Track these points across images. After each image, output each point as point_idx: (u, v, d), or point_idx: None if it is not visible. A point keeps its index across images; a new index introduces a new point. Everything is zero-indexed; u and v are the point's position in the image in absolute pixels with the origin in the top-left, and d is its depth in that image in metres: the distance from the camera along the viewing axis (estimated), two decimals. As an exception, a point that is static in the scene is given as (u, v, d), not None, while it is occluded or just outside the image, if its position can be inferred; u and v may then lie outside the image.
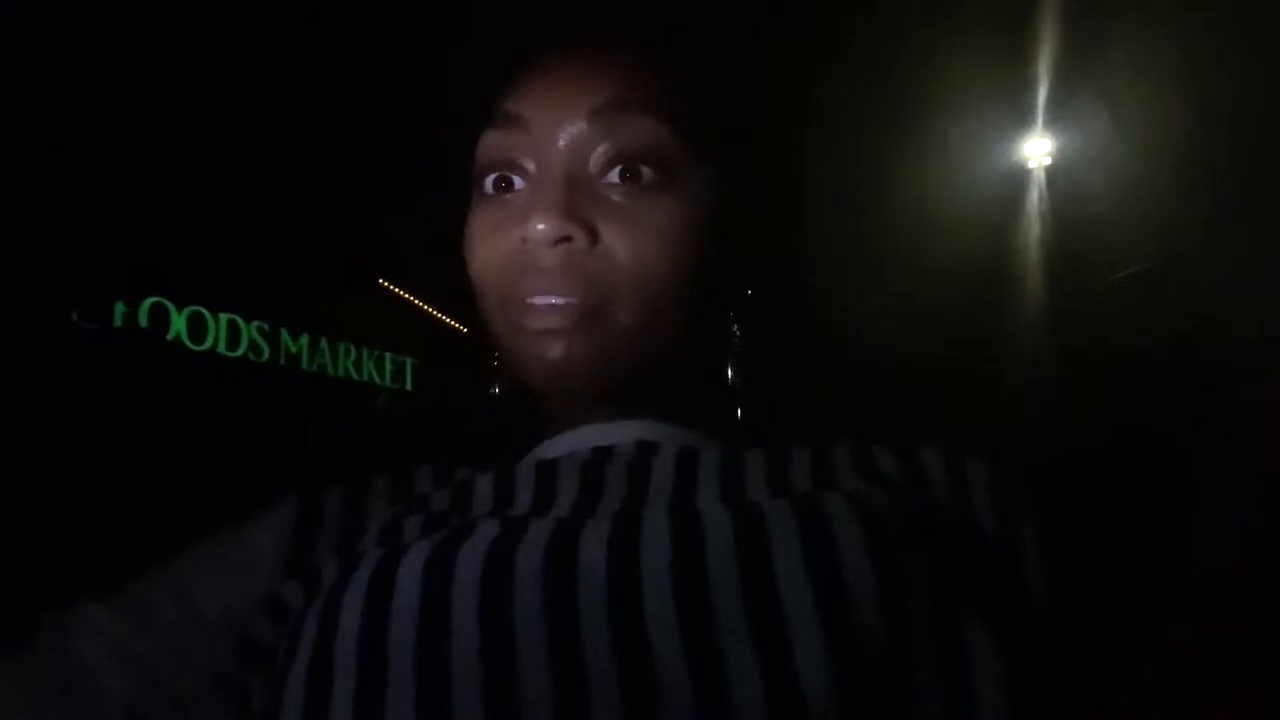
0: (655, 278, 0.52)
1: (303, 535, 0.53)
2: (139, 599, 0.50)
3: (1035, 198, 3.30)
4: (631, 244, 0.52)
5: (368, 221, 3.41)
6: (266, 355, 3.81)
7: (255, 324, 3.76)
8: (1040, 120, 3.15)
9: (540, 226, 0.51)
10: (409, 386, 4.51)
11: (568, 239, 0.51)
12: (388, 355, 4.44)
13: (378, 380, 4.38)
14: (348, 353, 4.23)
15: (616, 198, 0.52)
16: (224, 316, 3.61)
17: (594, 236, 0.52)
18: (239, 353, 3.69)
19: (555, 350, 0.52)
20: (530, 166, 0.54)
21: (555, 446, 0.57)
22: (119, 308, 3.21)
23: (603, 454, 0.54)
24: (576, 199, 0.52)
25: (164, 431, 2.75)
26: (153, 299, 3.32)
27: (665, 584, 0.40)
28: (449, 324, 4.21)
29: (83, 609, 0.50)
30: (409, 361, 4.53)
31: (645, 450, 0.54)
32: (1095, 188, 3.00)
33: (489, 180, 0.56)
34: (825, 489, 0.47)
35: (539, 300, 0.52)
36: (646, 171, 0.52)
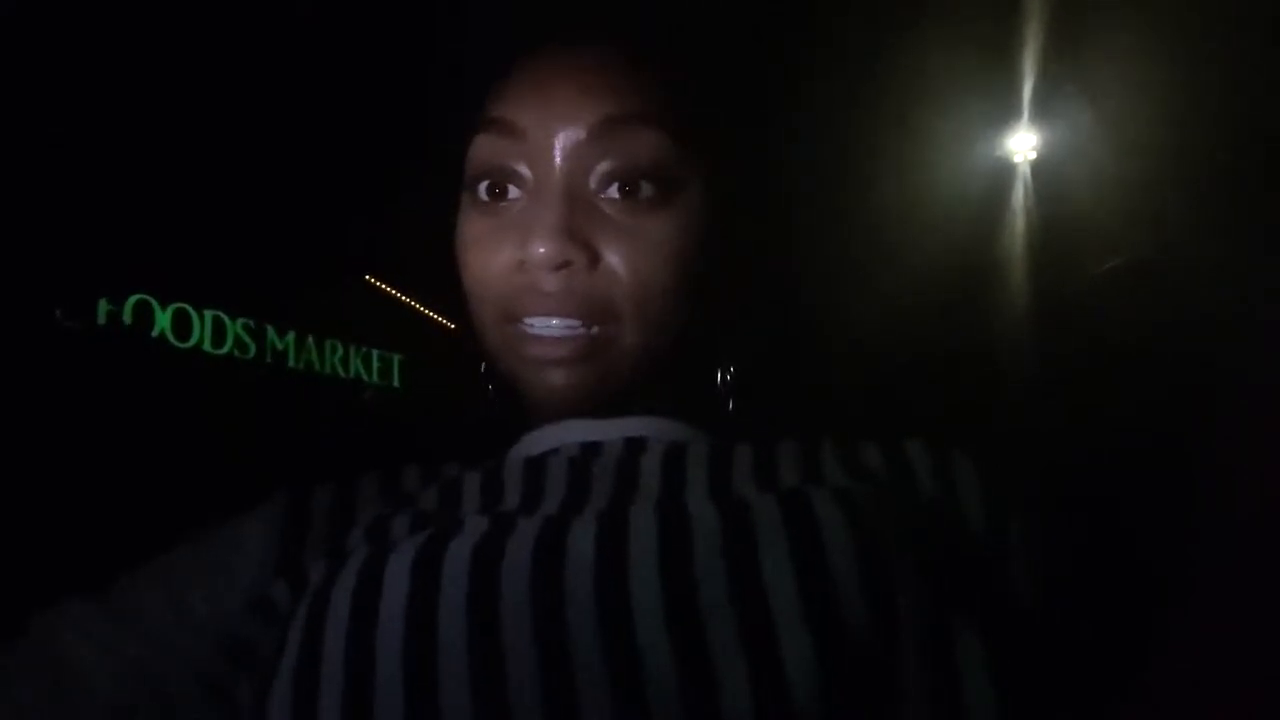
0: (657, 293, 0.52)
1: (292, 533, 0.53)
2: (127, 598, 0.50)
3: (1021, 192, 3.31)
4: (632, 263, 0.51)
5: (355, 218, 3.40)
6: (253, 352, 3.79)
7: (241, 321, 3.74)
8: (1025, 115, 3.17)
9: (541, 250, 0.50)
10: (396, 383, 4.50)
11: (568, 263, 0.51)
12: (375, 352, 4.42)
13: (365, 377, 4.37)
14: (334, 349, 4.21)
15: (616, 214, 0.51)
16: (209, 313, 3.59)
17: (594, 258, 0.51)
18: (224, 350, 3.67)
19: (557, 378, 0.52)
20: (527, 175, 0.53)
21: (544, 439, 0.56)
22: (103, 305, 3.18)
23: (591, 450, 0.54)
24: (575, 218, 0.51)
25: (149, 429, 2.74)
26: (137, 296, 3.29)
27: (653, 583, 0.40)
28: (437, 320, 4.20)
29: (70, 607, 0.49)
30: (396, 358, 4.52)
31: (634, 447, 0.53)
32: (1080, 182, 3.02)
33: (482, 187, 0.54)
34: (813, 485, 0.47)
35: (538, 322, 0.52)
36: (647, 186, 0.51)
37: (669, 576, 0.40)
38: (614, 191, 0.52)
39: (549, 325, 0.52)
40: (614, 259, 0.51)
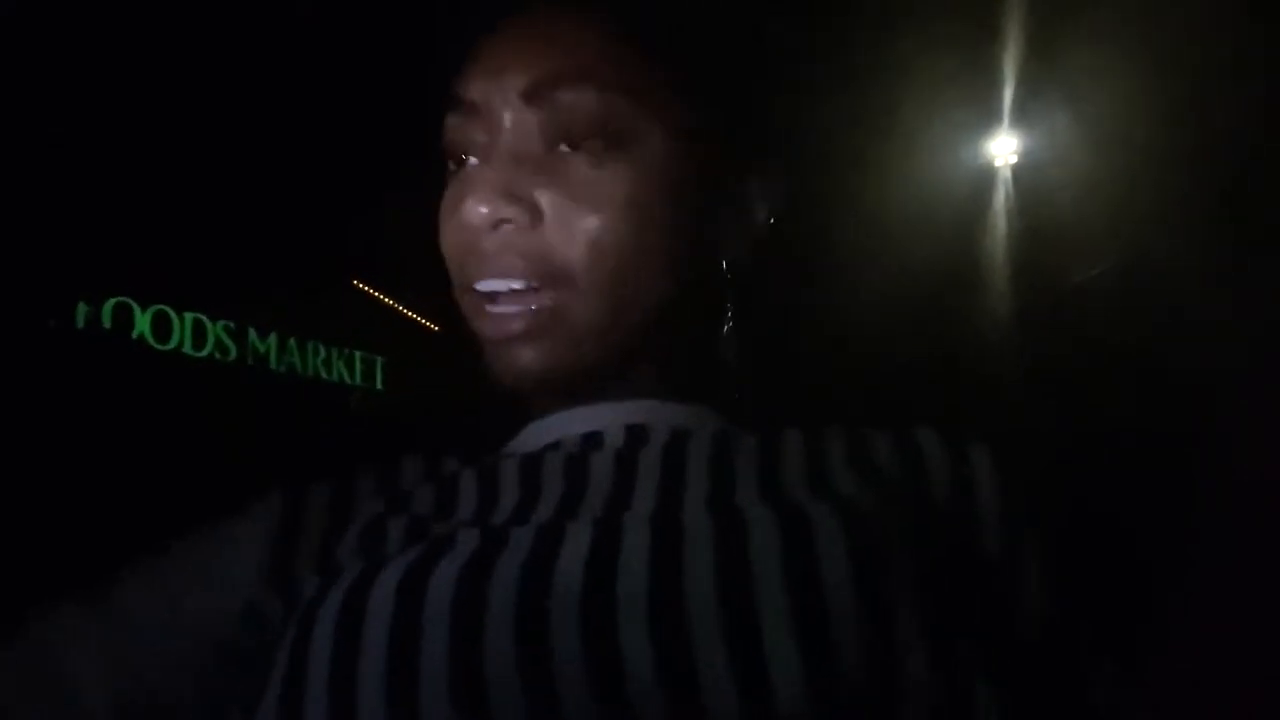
0: (613, 251, 0.50)
1: (286, 535, 0.52)
2: (123, 602, 0.49)
3: (1002, 195, 3.34)
4: (581, 218, 0.50)
5: (338, 219, 3.38)
6: (234, 355, 3.76)
7: (222, 323, 3.71)
8: (1006, 120, 3.19)
9: (475, 209, 0.50)
10: (379, 386, 4.47)
11: (506, 221, 0.50)
12: (358, 354, 4.39)
13: (348, 380, 4.34)
14: (317, 352, 4.18)
15: (567, 170, 0.50)
16: (189, 315, 3.55)
17: (537, 214, 0.50)
18: (205, 352, 3.64)
19: (521, 357, 0.51)
20: (483, 141, 0.53)
21: (543, 431, 0.56)
22: (82, 308, 3.15)
23: (590, 443, 0.53)
24: (519, 177, 0.50)
25: (129, 432, 2.71)
26: (116, 298, 3.26)
27: (641, 618, 0.39)
28: (421, 323, 4.18)
29: (65, 610, 0.48)
30: (379, 360, 4.49)
31: (634, 438, 0.52)
32: (1061, 185, 3.05)
33: (451, 160, 0.55)
34: (817, 494, 0.46)
35: (487, 286, 0.51)
36: (595, 143, 0.50)
37: (658, 600, 0.39)
38: (565, 148, 0.51)
39: (499, 292, 0.51)
40: (560, 214, 0.50)
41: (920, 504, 0.48)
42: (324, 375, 4.21)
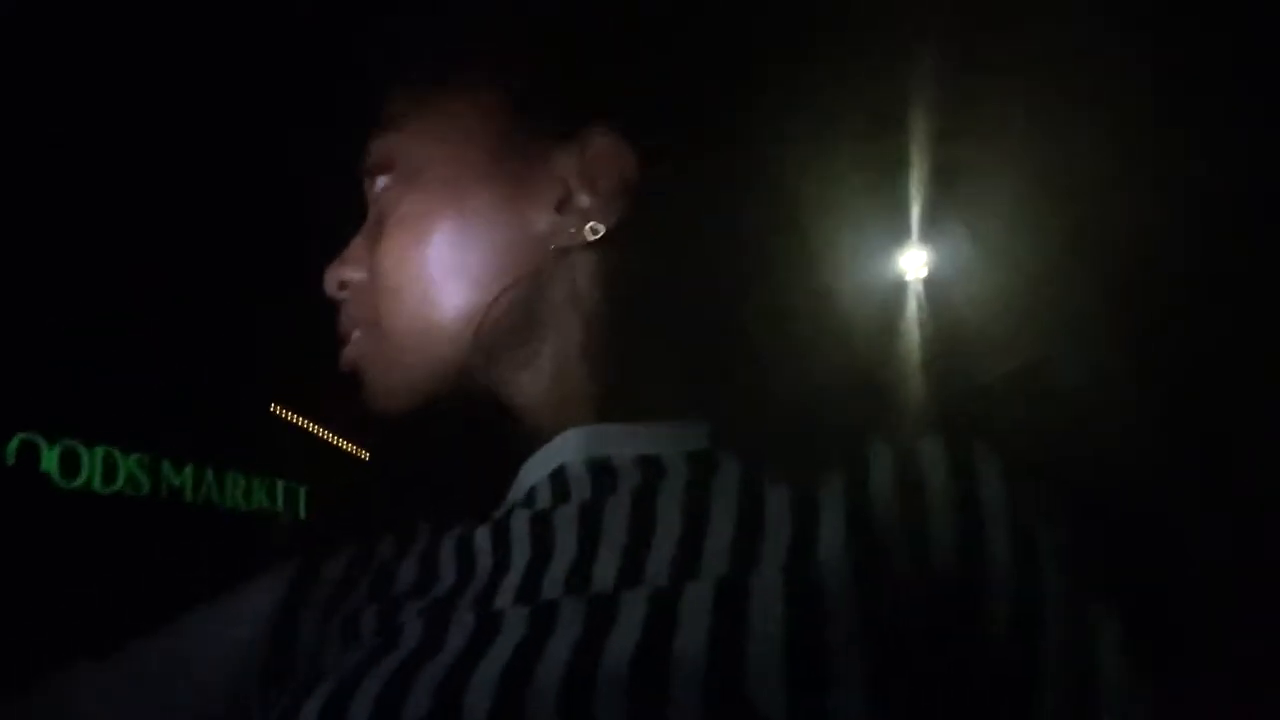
0: (403, 266, 0.52)
1: (292, 605, 0.54)
2: (136, 658, 0.52)
3: (914, 306, 3.48)
4: (380, 250, 0.53)
5: (255, 340, 3.33)
6: (146, 489, 3.61)
7: (134, 457, 3.57)
8: (915, 236, 3.36)
9: (324, 284, 0.56)
10: (302, 515, 4.32)
11: (343, 283, 0.56)
12: (280, 482, 4.25)
13: (269, 508, 4.18)
14: (235, 482, 4.04)
15: (379, 219, 0.55)
16: (99, 450, 3.42)
17: (365, 268, 0.55)
18: (115, 488, 3.48)
19: (366, 390, 0.55)
20: None
21: (527, 474, 0.53)
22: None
23: (558, 493, 0.50)
24: (360, 242, 0.56)
25: (34, 573, 2.56)
26: (21, 435, 3.12)
27: (550, 711, 0.38)
28: (347, 449, 4.09)
29: (83, 665, 0.51)
30: (303, 489, 4.35)
31: (600, 483, 0.49)
32: (968, 296, 3.20)
33: None
34: (793, 566, 0.43)
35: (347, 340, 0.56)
36: (384, 180, 0.55)
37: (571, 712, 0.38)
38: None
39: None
40: (373, 260, 0.54)
41: (914, 555, 0.45)
42: (244, 506, 4.06)
